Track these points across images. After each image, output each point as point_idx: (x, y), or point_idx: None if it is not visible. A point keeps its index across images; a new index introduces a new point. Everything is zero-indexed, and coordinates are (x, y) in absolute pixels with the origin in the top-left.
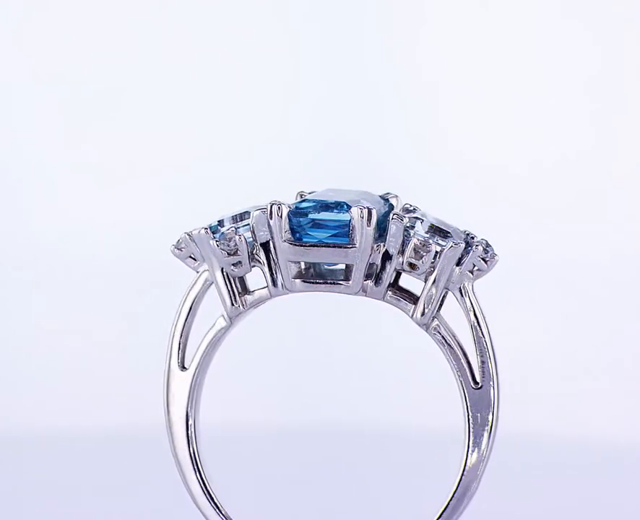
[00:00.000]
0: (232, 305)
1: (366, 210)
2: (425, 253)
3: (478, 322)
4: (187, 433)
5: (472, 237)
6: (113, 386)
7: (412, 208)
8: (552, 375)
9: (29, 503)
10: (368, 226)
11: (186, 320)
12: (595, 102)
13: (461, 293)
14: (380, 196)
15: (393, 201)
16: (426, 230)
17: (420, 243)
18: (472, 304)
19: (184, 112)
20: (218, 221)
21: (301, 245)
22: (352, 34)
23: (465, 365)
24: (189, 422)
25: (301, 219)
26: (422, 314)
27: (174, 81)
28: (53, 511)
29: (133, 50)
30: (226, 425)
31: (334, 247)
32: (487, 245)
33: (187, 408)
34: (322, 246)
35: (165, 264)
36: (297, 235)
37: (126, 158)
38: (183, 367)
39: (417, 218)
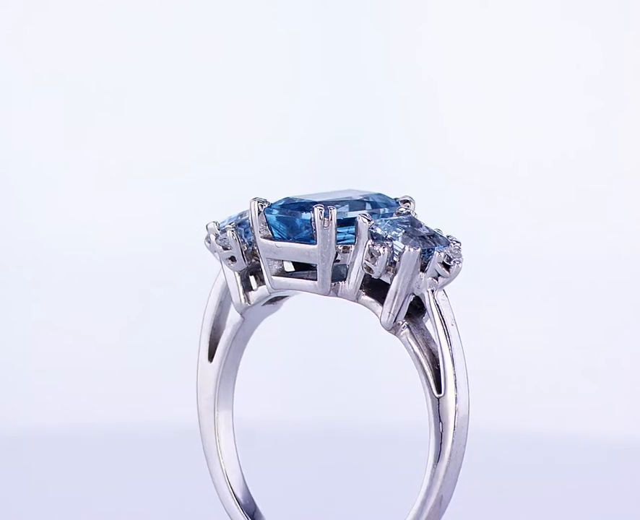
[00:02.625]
0: (239, 300)
1: (325, 210)
2: (377, 257)
3: (438, 330)
4: (213, 424)
5: (456, 243)
6: (114, 385)
7: (404, 212)
8: (551, 375)
9: (29, 502)
10: (325, 226)
11: (214, 311)
12: (595, 102)
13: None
14: (395, 199)
15: (407, 204)
16: (422, 235)
17: (374, 246)
18: (436, 311)
19: (185, 111)
20: (239, 214)
21: (274, 243)
22: (352, 33)
23: (429, 373)
24: (215, 414)
25: (280, 217)
26: (387, 318)
27: (174, 81)
28: (54, 511)
29: (133, 49)
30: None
31: (300, 246)
32: (455, 252)
33: (213, 399)
34: (290, 244)
35: (165, 264)
36: (276, 232)
37: (127, 158)
38: (211, 359)
39: (391, 223)
